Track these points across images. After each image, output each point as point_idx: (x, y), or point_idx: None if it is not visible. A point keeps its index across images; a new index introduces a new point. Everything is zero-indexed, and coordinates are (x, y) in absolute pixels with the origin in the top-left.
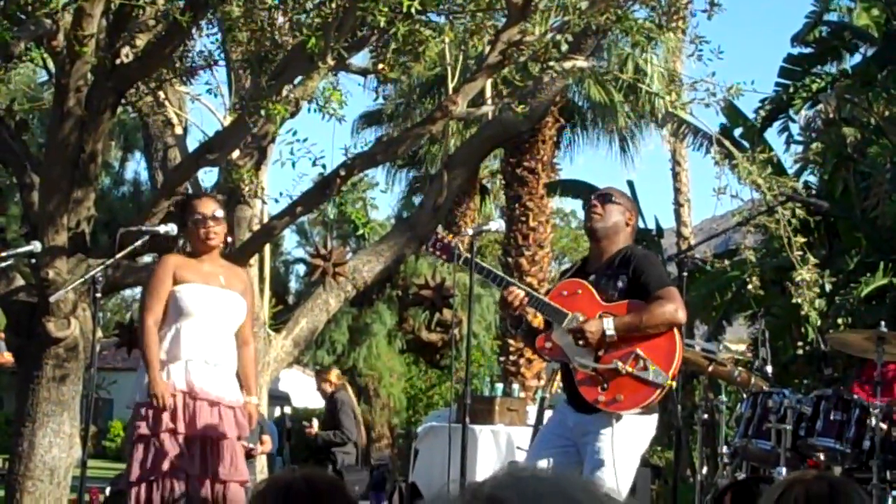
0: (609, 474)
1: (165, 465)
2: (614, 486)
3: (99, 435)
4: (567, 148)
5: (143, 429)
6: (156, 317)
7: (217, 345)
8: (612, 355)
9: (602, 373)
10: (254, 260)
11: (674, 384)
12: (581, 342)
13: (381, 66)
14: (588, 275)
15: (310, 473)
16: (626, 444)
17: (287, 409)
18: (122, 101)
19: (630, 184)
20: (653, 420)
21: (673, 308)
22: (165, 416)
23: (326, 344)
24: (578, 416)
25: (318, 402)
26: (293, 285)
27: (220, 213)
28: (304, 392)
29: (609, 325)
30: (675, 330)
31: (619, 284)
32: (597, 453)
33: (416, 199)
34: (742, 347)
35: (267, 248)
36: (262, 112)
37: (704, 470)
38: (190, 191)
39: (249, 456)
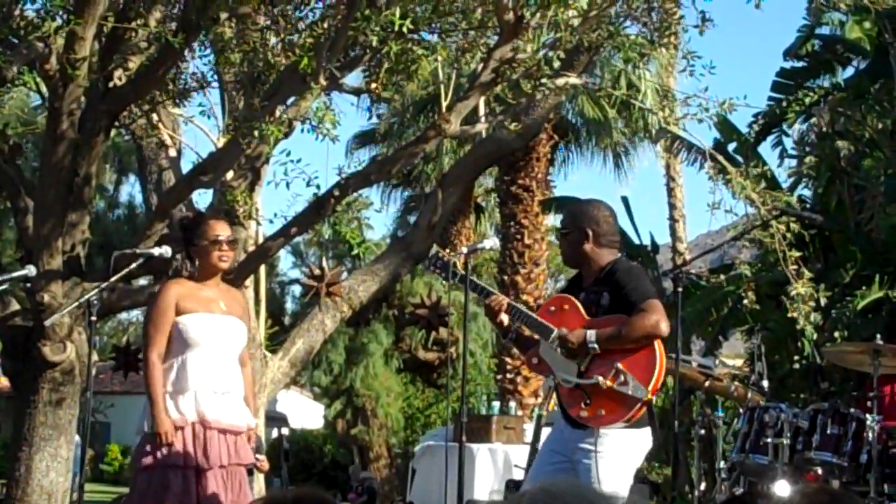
0: (589, 476)
1: (169, 500)
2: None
3: (96, 459)
4: (561, 165)
5: (149, 459)
6: (160, 350)
7: (224, 373)
8: (593, 370)
9: (585, 388)
10: (249, 281)
11: (653, 398)
12: (565, 352)
13: (373, 85)
14: (581, 291)
15: (301, 493)
16: (612, 459)
17: (285, 431)
18: (116, 123)
19: (625, 199)
20: (641, 434)
21: (655, 320)
22: (174, 451)
23: (323, 364)
24: (571, 432)
25: (317, 423)
26: (289, 306)
27: (232, 236)
28: (302, 413)
29: (592, 335)
30: (657, 343)
31: (603, 300)
32: (586, 470)
33: (412, 218)
34: (739, 362)
35: (262, 268)
36: (256, 133)
37: (703, 485)
38: (184, 212)
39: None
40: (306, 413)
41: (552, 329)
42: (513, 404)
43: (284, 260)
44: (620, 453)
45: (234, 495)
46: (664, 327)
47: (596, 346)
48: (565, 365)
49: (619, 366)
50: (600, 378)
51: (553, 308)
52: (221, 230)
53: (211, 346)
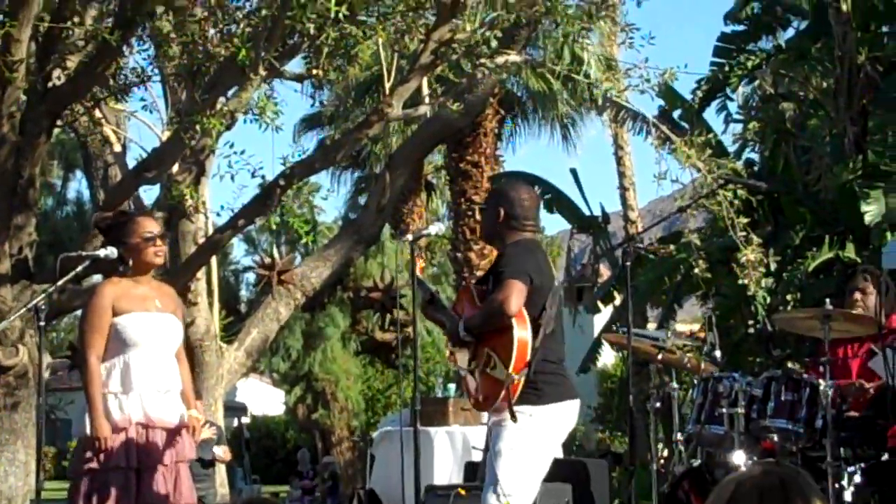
0: (490, 471)
1: (110, 502)
2: (497, 481)
3: (59, 456)
4: (509, 139)
5: (92, 464)
6: (98, 352)
7: (165, 371)
8: (477, 357)
9: (473, 374)
10: (201, 272)
11: (516, 377)
12: (455, 342)
13: (315, 71)
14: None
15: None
16: (505, 441)
17: (245, 420)
18: (58, 122)
19: (573, 171)
20: (535, 412)
21: (500, 298)
22: (117, 453)
23: (281, 350)
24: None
25: (277, 410)
26: (244, 294)
27: (162, 230)
28: (262, 400)
29: (461, 325)
30: (515, 321)
31: (490, 285)
32: (493, 451)
33: (362, 200)
34: (696, 327)
35: (213, 259)
36: (198, 127)
37: (666, 453)
38: (133, 209)
39: (218, 461)
40: (266, 400)
41: (456, 320)
42: None
43: (237, 248)
44: (512, 435)
45: (175, 492)
46: (510, 306)
47: (465, 334)
48: (461, 354)
49: (488, 350)
50: (475, 363)
51: (458, 298)
52: (152, 226)
53: (150, 346)
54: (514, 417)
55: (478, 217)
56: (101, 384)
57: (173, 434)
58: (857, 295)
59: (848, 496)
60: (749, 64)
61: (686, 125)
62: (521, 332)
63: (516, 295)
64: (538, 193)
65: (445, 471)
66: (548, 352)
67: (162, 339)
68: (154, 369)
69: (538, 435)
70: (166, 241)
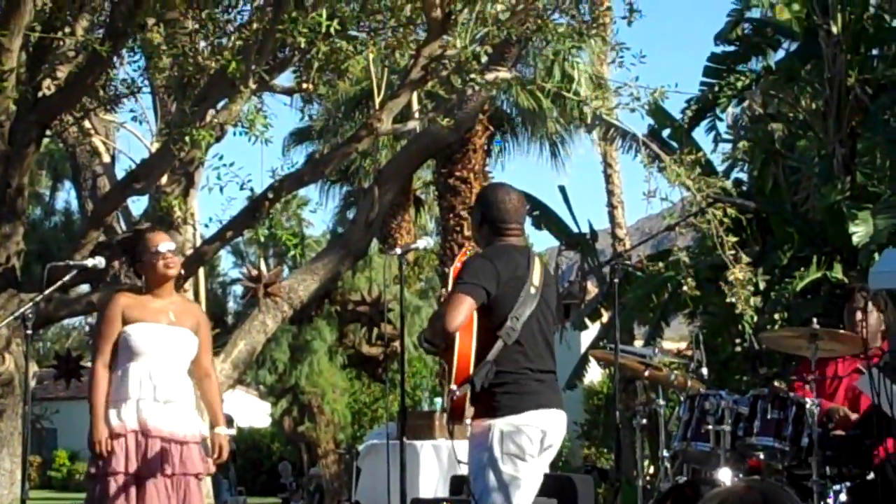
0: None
1: None
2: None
3: (44, 465)
4: (498, 155)
5: (93, 469)
6: (105, 360)
7: (167, 383)
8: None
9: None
10: (188, 284)
11: (457, 390)
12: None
13: (305, 85)
14: None
15: None
16: (471, 457)
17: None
18: (48, 132)
19: (562, 188)
20: (494, 423)
21: (441, 314)
22: (114, 459)
23: (268, 363)
24: None
25: (263, 422)
26: (231, 306)
27: (174, 245)
28: (249, 412)
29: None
30: (459, 334)
31: None
32: None
33: (351, 214)
34: (683, 345)
35: (201, 271)
36: (187, 139)
37: (651, 470)
38: (121, 220)
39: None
40: (253, 412)
41: None
42: None
43: (225, 260)
44: (475, 448)
45: None
46: (447, 322)
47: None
48: None
49: (445, 363)
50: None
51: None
52: (161, 240)
53: (154, 356)
54: (450, 433)
55: (466, 233)
56: (103, 390)
57: (180, 446)
58: (860, 315)
59: None
60: (739, 84)
61: (675, 144)
62: (463, 345)
63: (458, 309)
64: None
65: (431, 484)
66: (510, 362)
67: (168, 351)
68: (154, 379)
69: (501, 447)
70: (178, 254)
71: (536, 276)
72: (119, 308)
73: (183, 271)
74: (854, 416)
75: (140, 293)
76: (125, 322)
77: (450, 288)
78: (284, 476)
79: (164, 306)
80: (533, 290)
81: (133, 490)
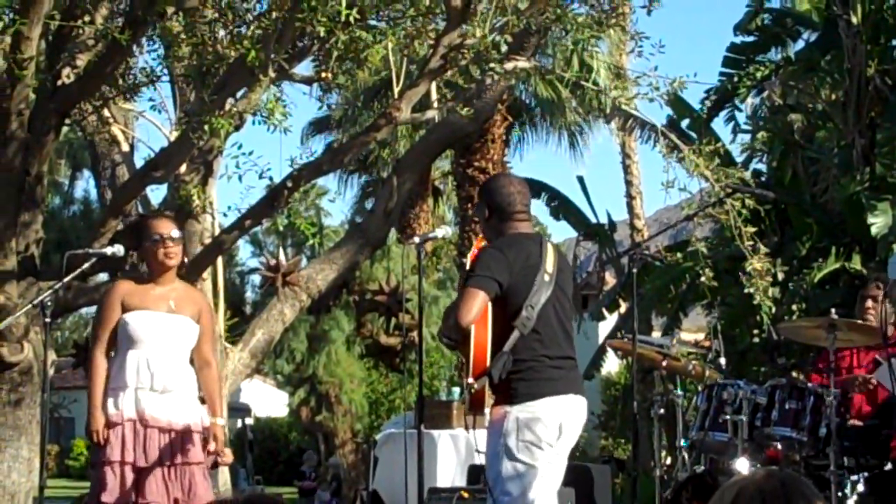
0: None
1: (109, 497)
2: (491, 488)
3: (61, 454)
4: (517, 145)
5: (95, 457)
6: (103, 347)
7: (166, 371)
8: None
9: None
10: (207, 273)
11: (474, 383)
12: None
13: (324, 74)
14: None
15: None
16: (489, 447)
17: (249, 421)
18: (67, 120)
19: (580, 179)
20: (511, 410)
21: (450, 308)
22: (109, 448)
23: (286, 352)
24: None
25: (281, 412)
26: (249, 296)
27: (176, 233)
28: (266, 402)
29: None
30: (474, 328)
31: None
32: None
33: (369, 204)
34: (701, 336)
35: (219, 260)
36: (206, 127)
37: (668, 461)
38: (140, 209)
39: (215, 465)
40: (270, 402)
41: None
42: None
43: (243, 249)
44: (492, 436)
45: (183, 495)
46: (459, 316)
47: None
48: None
49: (462, 357)
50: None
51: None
52: (163, 228)
53: (153, 344)
54: (468, 424)
55: None
56: (101, 378)
57: (179, 435)
58: (870, 302)
59: None
60: (758, 75)
61: (694, 135)
62: (479, 338)
63: (471, 303)
64: (527, 188)
65: (448, 473)
66: (527, 349)
67: (166, 339)
68: (152, 368)
69: (517, 436)
70: (179, 244)
71: (550, 263)
72: (118, 295)
73: (198, 260)
74: (873, 379)
75: (145, 280)
76: (125, 309)
77: (463, 281)
78: (309, 465)
79: (164, 294)
80: (547, 277)
81: (131, 479)
